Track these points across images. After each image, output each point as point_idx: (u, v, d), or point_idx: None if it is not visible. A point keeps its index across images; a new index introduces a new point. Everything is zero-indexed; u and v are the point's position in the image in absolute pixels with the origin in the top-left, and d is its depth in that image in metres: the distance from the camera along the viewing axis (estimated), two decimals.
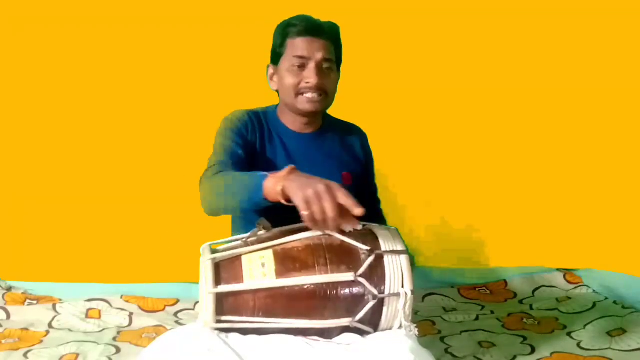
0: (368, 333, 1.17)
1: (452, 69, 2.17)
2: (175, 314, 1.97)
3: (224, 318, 1.13)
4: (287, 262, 1.15)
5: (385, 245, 1.17)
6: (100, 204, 2.11)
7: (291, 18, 1.39)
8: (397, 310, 1.16)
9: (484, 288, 2.19)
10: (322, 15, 1.41)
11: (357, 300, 1.15)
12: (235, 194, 1.17)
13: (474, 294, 2.16)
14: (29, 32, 2.09)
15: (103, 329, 1.83)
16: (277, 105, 1.47)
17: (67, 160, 2.12)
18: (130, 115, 2.12)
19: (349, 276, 1.13)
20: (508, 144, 2.21)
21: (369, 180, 1.57)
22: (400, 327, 1.16)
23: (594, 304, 1.96)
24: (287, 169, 1.09)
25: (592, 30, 2.08)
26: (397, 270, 1.15)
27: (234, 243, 1.21)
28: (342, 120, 1.56)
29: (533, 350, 1.62)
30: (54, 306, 1.94)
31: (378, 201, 1.60)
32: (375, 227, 1.23)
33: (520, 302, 2.08)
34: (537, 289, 2.14)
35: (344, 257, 1.15)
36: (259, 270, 1.14)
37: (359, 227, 1.13)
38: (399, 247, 1.17)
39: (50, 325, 1.85)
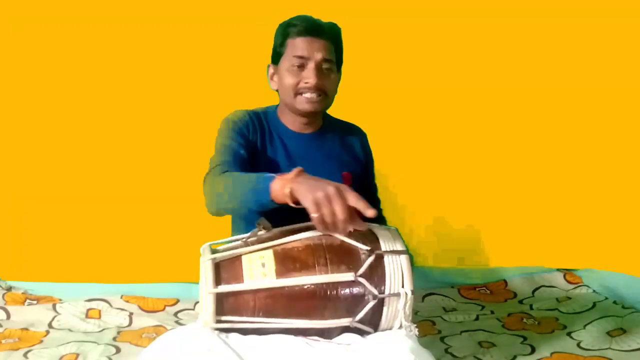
0: (368, 333, 1.17)
1: (453, 69, 2.17)
2: (175, 314, 1.97)
3: (224, 318, 1.13)
4: (287, 262, 1.15)
5: (385, 245, 1.17)
6: (100, 204, 2.11)
7: (292, 18, 1.39)
8: (397, 310, 1.16)
9: (484, 288, 2.19)
10: (322, 15, 1.41)
11: (357, 300, 1.15)
12: (241, 195, 1.16)
13: (474, 294, 2.16)
14: (29, 32, 2.08)
15: (103, 329, 1.83)
16: (277, 106, 1.48)
17: (67, 160, 2.11)
18: (130, 116, 2.12)
19: (349, 276, 1.13)
20: (508, 144, 2.21)
21: (369, 180, 1.57)
22: (401, 327, 1.16)
23: (594, 304, 1.96)
24: (294, 171, 1.09)
25: (592, 30, 2.08)
26: (397, 270, 1.16)
27: (234, 243, 1.21)
28: (342, 120, 1.56)
29: (533, 350, 1.62)
30: (54, 306, 1.94)
31: (378, 201, 1.60)
32: (375, 227, 1.23)
33: (520, 302, 2.08)
34: (537, 289, 2.14)
35: (344, 257, 1.15)
36: (259, 270, 1.14)
37: (365, 229, 1.12)
38: (399, 247, 1.17)
39: (50, 325, 1.85)
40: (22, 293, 2.04)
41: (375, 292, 1.14)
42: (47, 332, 1.80)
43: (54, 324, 1.86)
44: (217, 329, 1.13)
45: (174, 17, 2.10)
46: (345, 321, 1.14)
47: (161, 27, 2.10)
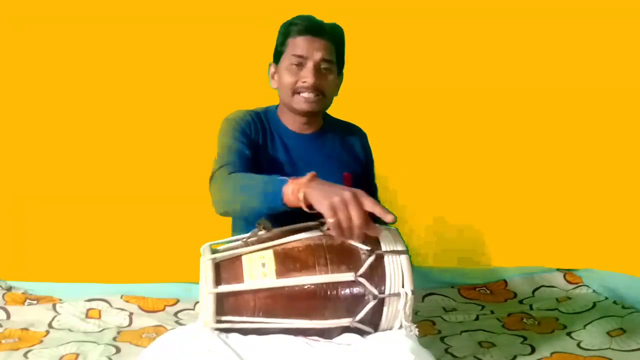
0: (368, 333, 1.17)
1: (453, 70, 2.17)
2: (175, 314, 1.97)
3: (224, 318, 1.13)
4: (287, 262, 1.15)
5: (385, 245, 1.17)
6: (100, 204, 2.11)
7: (295, 17, 1.39)
8: (398, 310, 1.16)
9: (484, 288, 2.19)
10: (323, 15, 1.41)
11: (358, 300, 1.15)
12: (252, 197, 1.15)
13: (474, 294, 2.16)
14: (29, 32, 2.08)
15: (103, 329, 1.83)
16: (277, 106, 1.47)
17: (67, 160, 2.11)
18: (130, 116, 2.12)
19: (349, 276, 1.13)
20: (508, 144, 2.21)
21: (369, 181, 1.57)
22: (401, 327, 1.16)
23: (594, 304, 1.96)
24: (308, 175, 1.08)
25: (592, 30, 2.08)
26: (397, 270, 1.16)
27: (234, 243, 1.21)
28: (342, 120, 1.55)
29: (533, 350, 1.62)
30: (54, 306, 1.94)
31: (378, 201, 1.59)
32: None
33: (520, 302, 2.08)
34: (537, 289, 2.14)
35: (344, 257, 1.15)
36: (259, 270, 1.14)
37: (380, 234, 1.11)
38: (399, 247, 1.17)
39: (50, 325, 1.85)
40: (22, 293, 2.04)
41: (376, 292, 1.14)
42: (47, 332, 1.80)
43: (54, 324, 1.86)
44: (217, 329, 1.13)
45: (175, 17, 2.10)
46: (345, 321, 1.14)
47: (162, 27, 2.10)
